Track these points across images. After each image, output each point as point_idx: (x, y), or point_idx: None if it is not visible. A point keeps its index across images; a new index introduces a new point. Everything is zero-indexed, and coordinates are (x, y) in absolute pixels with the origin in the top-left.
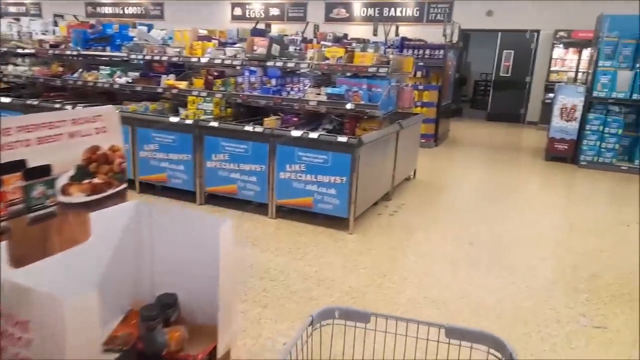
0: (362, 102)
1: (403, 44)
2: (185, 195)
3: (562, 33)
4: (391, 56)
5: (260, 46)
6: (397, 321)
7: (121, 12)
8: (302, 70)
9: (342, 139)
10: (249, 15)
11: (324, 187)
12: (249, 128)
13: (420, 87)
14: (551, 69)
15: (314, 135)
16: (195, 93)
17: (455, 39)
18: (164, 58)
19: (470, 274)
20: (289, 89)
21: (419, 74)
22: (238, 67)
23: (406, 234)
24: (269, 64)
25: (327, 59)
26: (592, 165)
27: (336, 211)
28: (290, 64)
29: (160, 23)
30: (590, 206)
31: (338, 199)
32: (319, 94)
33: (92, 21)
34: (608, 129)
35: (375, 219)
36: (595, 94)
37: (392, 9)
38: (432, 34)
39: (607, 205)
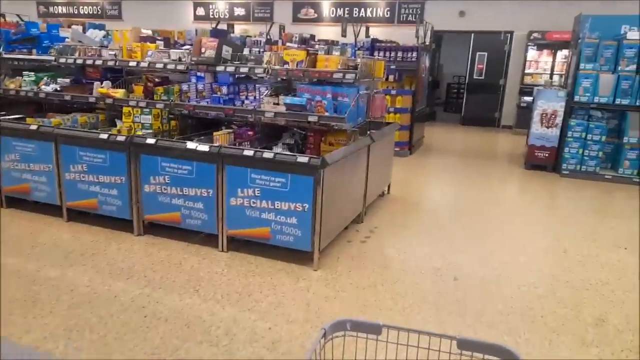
0: (326, 114)
1: (374, 46)
2: (120, 224)
3: (536, 34)
4: (360, 60)
5: (208, 48)
6: (408, 333)
7: (75, 12)
8: (259, 76)
9: (303, 158)
10: (213, 15)
11: (283, 216)
12: (192, 145)
13: (393, 92)
14: (525, 71)
15: (269, 154)
16: (132, 103)
17: (428, 40)
18: (98, 62)
19: (457, 324)
20: (243, 97)
21: (390, 77)
22: (185, 73)
23: (380, 268)
24: (219, 68)
25: (286, 63)
26: (574, 175)
27: (298, 244)
28: (244, 69)
29: (117, 24)
30: (580, 223)
31: (300, 230)
32: (277, 104)
33: (46, 22)
34: (591, 136)
35: (345, 248)
36: (576, 98)
37: (362, 9)
38: (403, 35)
39: (598, 221)
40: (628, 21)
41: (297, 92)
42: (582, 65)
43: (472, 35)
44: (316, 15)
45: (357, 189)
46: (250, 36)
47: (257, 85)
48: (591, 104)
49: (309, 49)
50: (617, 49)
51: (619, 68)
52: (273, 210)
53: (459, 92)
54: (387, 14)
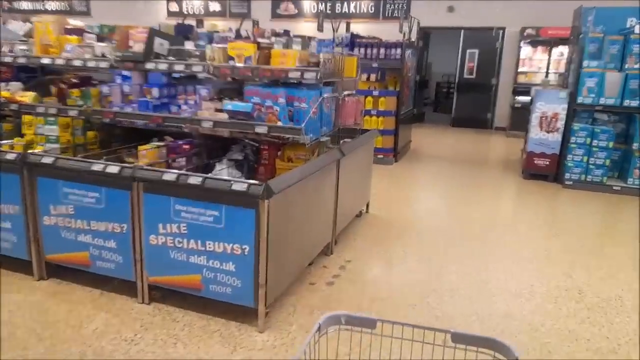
0: (279, 123)
1: (354, 42)
2: (18, 265)
3: (530, 30)
4: (323, 55)
5: (137, 41)
6: (403, 327)
7: (41, 7)
8: (206, 76)
9: (239, 185)
10: (187, 11)
11: (217, 261)
12: (98, 166)
13: (375, 92)
14: (519, 69)
15: (195, 179)
16: (41, 109)
17: (414, 36)
18: (7, 59)
19: None
20: (182, 102)
21: (373, 77)
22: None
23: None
24: (149, 66)
25: (232, 59)
26: (579, 185)
27: (237, 297)
28: (179, 67)
29: (86, 20)
30: (594, 251)
31: (239, 279)
32: (219, 110)
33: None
34: (596, 142)
35: (305, 295)
36: (580, 99)
37: (345, 4)
38: (389, 31)
39: (615, 245)
40: (634, 13)
41: (245, 95)
42: (585, 63)
43: (462, 31)
44: (296, 11)
45: (324, 216)
46: (218, 32)
47: (197, 86)
48: (596, 106)
49: (261, 41)
50: (624, 45)
51: (626, 66)
52: (204, 253)
53: (449, 91)
54: (371, 9)
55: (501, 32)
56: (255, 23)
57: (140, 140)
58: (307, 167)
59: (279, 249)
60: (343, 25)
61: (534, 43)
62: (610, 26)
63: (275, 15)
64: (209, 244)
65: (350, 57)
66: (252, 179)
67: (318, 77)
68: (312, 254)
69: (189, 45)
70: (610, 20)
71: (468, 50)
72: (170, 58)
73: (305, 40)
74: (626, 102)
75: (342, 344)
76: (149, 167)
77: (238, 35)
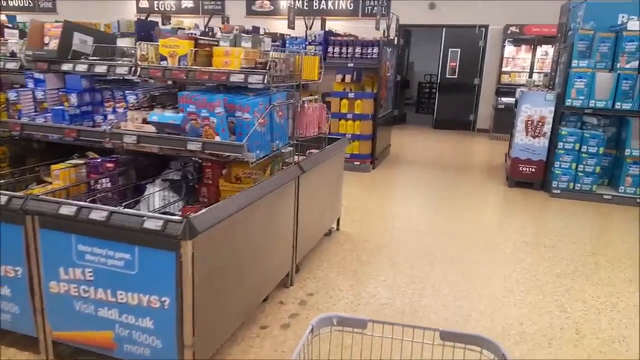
0: (217, 138)
1: (327, 40)
2: None
3: (513, 28)
4: (273, 54)
5: (53, 37)
6: (393, 326)
7: (3, 3)
8: (137, 79)
9: (153, 223)
10: (158, 7)
11: (132, 315)
12: None
13: (351, 95)
14: (502, 69)
15: (99, 213)
16: None
17: (393, 34)
18: None
19: None
20: (109, 110)
21: (347, 78)
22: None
23: None
24: (65, 67)
25: (164, 59)
26: (567, 194)
27: (157, 359)
28: (101, 68)
29: (52, 17)
30: (588, 274)
31: (159, 338)
32: (148, 122)
33: None
34: (585, 147)
35: (254, 345)
36: (568, 102)
37: (323, 2)
38: (368, 30)
39: (610, 265)
40: (626, 9)
41: (178, 102)
42: (574, 62)
43: (444, 29)
44: (272, 7)
45: (280, 243)
46: (184, 29)
47: (127, 92)
48: (586, 109)
49: (200, 37)
50: (615, 42)
51: (618, 65)
52: (115, 305)
53: (431, 91)
54: (350, 6)
55: (484, 30)
56: (225, 19)
57: (64, 155)
58: (251, 191)
59: (214, 296)
60: (319, 23)
61: (518, 41)
62: (601, 22)
63: (250, 12)
64: (121, 294)
65: (310, 57)
66: (193, 202)
67: (266, 81)
68: (266, 289)
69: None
70: (601, 16)
71: (450, 49)
72: (93, 58)
73: (257, 37)
74: (618, 105)
75: (334, 344)
76: (44, 197)
77: (204, 33)
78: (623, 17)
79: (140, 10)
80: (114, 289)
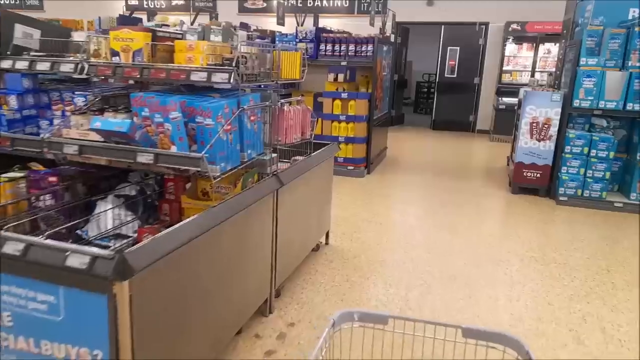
0: (172, 149)
1: (319, 37)
2: None
3: (514, 25)
4: (248, 49)
5: None
6: (415, 323)
7: None
8: (96, 78)
9: (78, 260)
10: (148, 5)
11: None
12: None
13: (344, 95)
14: (503, 68)
15: (13, 246)
16: None
17: (390, 31)
18: None
19: None
20: (58, 113)
21: (340, 77)
22: None
23: None
24: (4, 65)
25: (117, 54)
26: (575, 201)
27: None
28: (43, 65)
29: (38, 14)
30: (605, 297)
31: None
32: (90, 129)
33: None
34: (595, 151)
35: None
36: (576, 103)
37: None
38: (366, 28)
39: (628, 285)
40: (637, 3)
41: (131, 106)
42: (582, 60)
43: (442, 27)
44: (265, 5)
45: (255, 267)
46: (168, 25)
47: (76, 94)
48: (595, 110)
49: (160, 30)
50: (627, 39)
51: (629, 63)
52: (40, 358)
53: (429, 91)
54: (345, 3)
55: (484, 27)
56: (214, 16)
57: (7, 167)
58: (214, 212)
59: (165, 341)
60: (312, 20)
61: (519, 39)
62: (611, 18)
63: (242, 10)
64: (45, 345)
65: (291, 53)
66: (153, 221)
67: (233, 80)
68: (239, 321)
69: None
70: (611, 11)
71: (449, 48)
72: (37, 54)
73: (229, 30)
74: (629, 106)
75: (354, 339)
76: None
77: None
78: (634, 11)
79: (129, 7)
80: (38, 338)
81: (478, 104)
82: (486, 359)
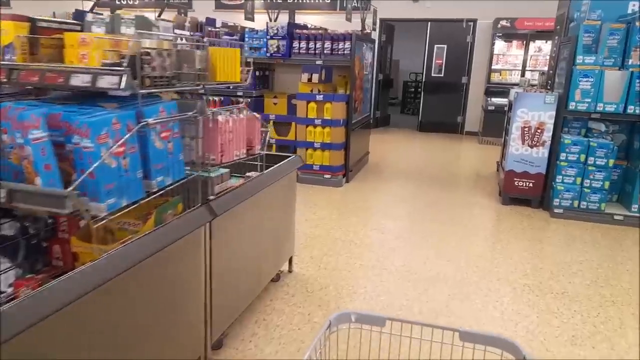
0: (36, 181)
1: (292, 34)
2: None
3: (504, 22)
4: (156, 43)
5: None
6: (412, 325)
7: None
8: None
9: None
10: (120, 2)
11: None
12: None
13: (319, 97)
14: (492, 67)
15: None
16: None
17: (371, 28)
18: None
19: None
20: None
21: (315, 77)
22: None
23: None
24: None
25: None
26: (571, 214)
27: None
28: None
29: (4, 10)
30: (612, 337)
31: None
32: None
33: None
34: (592, 159)
35: None
36: (571, 105)
37: None
38: (348, 25)
39: (636, 319)
40: None
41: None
42: (579, 59)
43: (429, 24)
44: (242, 1)
45: (177, 325)
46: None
47: None
48: (592, 114)
49: (45, 19)
50: (627, 35)
51: (630, 62)
52: None
53: (417, 91)
54: None
55: (472, 24)
56: (182, 12)
57: None
58: (107, 262)
59: None
60: (285, 16)
61: (509, 36)
62: (609, 12)
63: (219, 6)
64: None
65: (227, 49)
66: (38, 270)
67: (125, 85)
68: None
69: None
70: (609, 5)
71: (436, 46)
72: None
73: (146, 21)
74: (630, 109)
75: (351, 341)
76: None
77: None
78: (634, 5)
79: (100, 5)
80: None
81: (466, 105)
82: None
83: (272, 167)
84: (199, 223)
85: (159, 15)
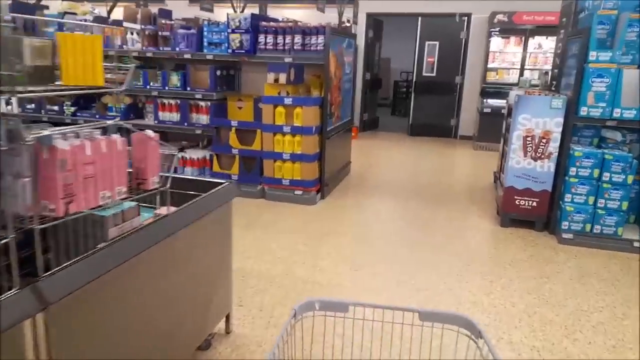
0: None
1: (257, 27)
2: None
3: (500, 16)
4: None
5: None
6: (374, 309)
7: None
8: None
9: None
10: None
11: None
12: None
13: (288, 100)
14: (488, 65)
15: None
16: None
17: (352, 21)
18: None
19: None
20: None
21: (282, 77)
22: None
23: None
24: None
25: None
26: (582, 240)
27: None
28: None
29: None
30: None
31: None
32: None
33: None
34: (608, 174)
35: None
36: (583, 111)
37: None
38: (330, 20)
39: None
40: None
41: None
42: (591, 55)
43: (419, 19)
44: None
45: None
46: (76, 13)
47: None
48: (607, 121)
49: None
50: None
51: None
52: None
53: (408, 92)
54: None
55: (466, 19)
56: (142, 3)
57: None
58: None
59: None
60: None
61: (506, 32)
62: (623, 3)
63: (193, 0)
64: None
65: (79, 36)
66: None
67: None
68: None
69: None
70: None
71: (427, 42)
72: None
73: None
74: None
75: (317, 327)
76: None
77: (102, 20)
78: None
79: None
80: None
81: (460, 107)
82: (442, 339)
83: (195, 200)
84: (9, 321)
85: (111, 10)
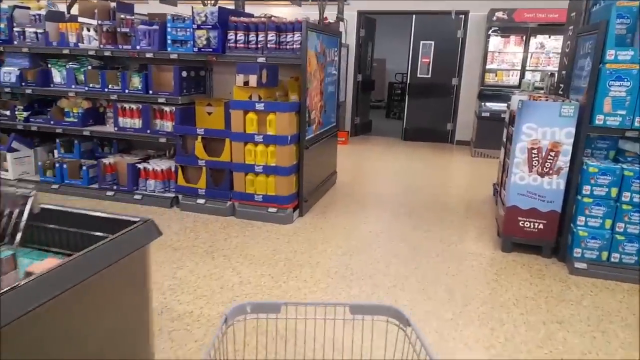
0: None
1: (226, 23)
2: None
3: (500, 14)
4: None
5: None
6: (306, 307)
7: None
8: None
9: None
10: None
11: None
12: None
13: (260, 105)
14: (487, 66)
15: None
16: None
17: (339, 18)
18: None
19: None
20: None
21: (253, 79)
22: None
23: None
24: None
25: None
26: (598, 270)
27: None
28: None
29: None
30: None
31: None
32: None
33: None
34: (628, 194)
35: None
36: (598, 119)
37: None
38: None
39: None
40: None
41: None
42: (609, 54)
43: (413, 17)
44: None
45: None
46: (29, 7)
47: None
48: (627, 131)
49: None
50: None
51: None
52: None
53: (403, 94)
54: None
55: (463, 17)
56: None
57: None
58: None
59: None
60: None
61: (506, 31)
62: None
63: None
64: None
65: None
66: None
67: None
68: None
69: None
70: None
71: (422, 42)
72: None
73: None
74: None
75: (250, 332)
76: None
77: (57, 15)
78: None
79: None
80: None
81: (457, 110)
82: (373, 330)
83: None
84: None
85: (72, 5)
